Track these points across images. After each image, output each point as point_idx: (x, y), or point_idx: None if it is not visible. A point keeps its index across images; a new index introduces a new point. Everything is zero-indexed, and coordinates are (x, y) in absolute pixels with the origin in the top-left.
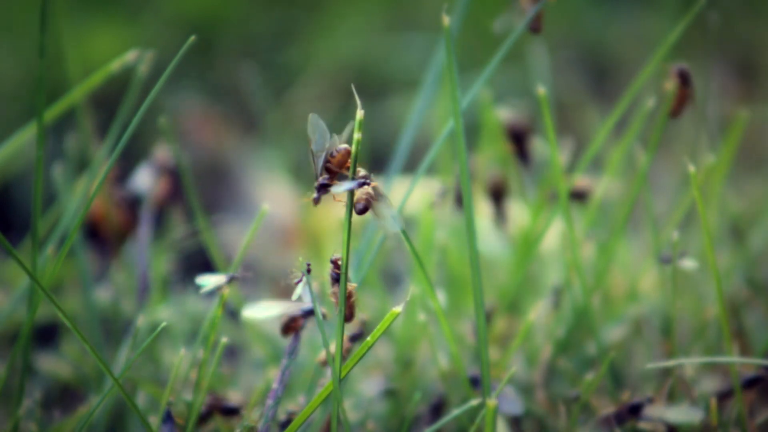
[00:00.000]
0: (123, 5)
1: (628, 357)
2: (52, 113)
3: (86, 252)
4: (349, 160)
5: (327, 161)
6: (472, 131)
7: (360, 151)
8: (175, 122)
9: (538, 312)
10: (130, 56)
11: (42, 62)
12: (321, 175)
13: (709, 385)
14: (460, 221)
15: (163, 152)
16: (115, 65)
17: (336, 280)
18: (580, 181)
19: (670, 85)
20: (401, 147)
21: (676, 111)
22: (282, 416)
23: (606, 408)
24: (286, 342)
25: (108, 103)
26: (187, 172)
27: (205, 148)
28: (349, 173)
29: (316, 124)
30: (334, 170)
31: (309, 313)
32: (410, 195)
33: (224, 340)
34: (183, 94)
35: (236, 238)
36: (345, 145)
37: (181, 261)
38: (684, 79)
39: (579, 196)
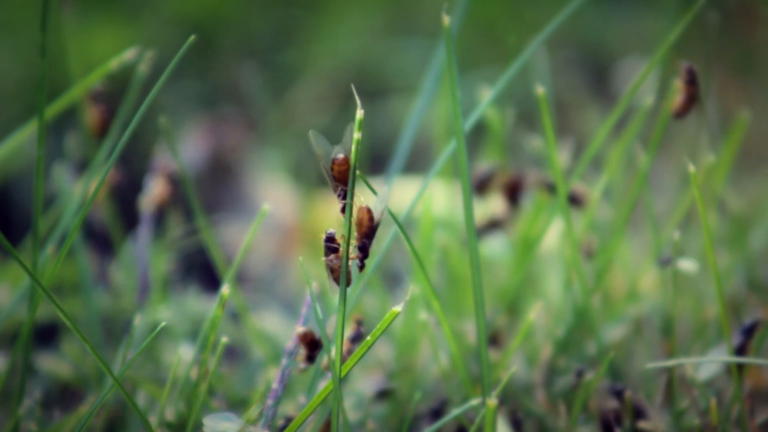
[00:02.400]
0: (123, 5)
1: (628, 357)
2: (51, 112)
3: (86, 252)
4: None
5: (330, 171)
6: (473, 130)
7: (360, 152)
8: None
9: (537, 312)
10: (128, 54)
11: (43, 62)
12: (335, 187)
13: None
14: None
15: (163, 156)
16: (114, 63)
17: (330, 250)
18: (577, 186)
19: (679, 83)
20: (401, 147)
21: (682, 111)
22: (280, 421)
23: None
24: (286, 342)
25: (108, 102)
26: (187, 172)
27: (205, 148)
28: (350, 175)
29: (317, 139)
30: (340, 178)
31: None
32: (406, 195)
33: (224, 339)
34: (183, 94)
35: (236, 237)
36: (341, 155)
37: (181, 261)
38: (691, 78)
39: (575, 201)
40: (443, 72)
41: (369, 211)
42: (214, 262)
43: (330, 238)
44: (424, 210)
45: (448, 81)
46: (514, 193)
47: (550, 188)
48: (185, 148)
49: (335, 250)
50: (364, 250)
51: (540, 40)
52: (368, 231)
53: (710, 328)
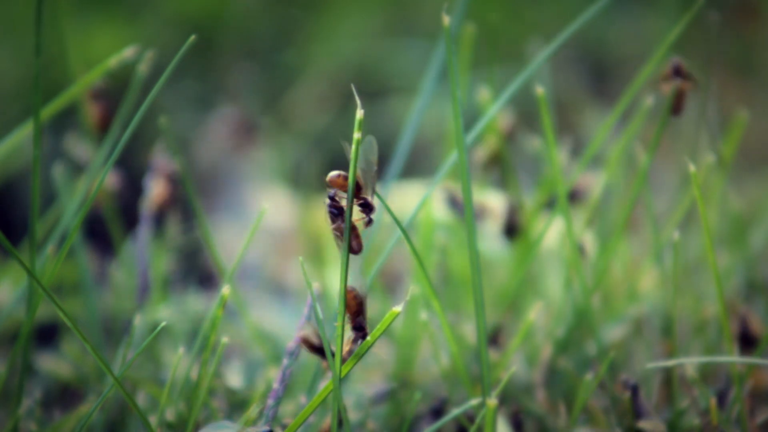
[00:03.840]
0: (123, 5)
1: (628, 357)
2: (50, 111)
3: (86, 252)
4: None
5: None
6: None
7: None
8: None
9: (537, 312)
10: (127, 52)
11: (37, 61)
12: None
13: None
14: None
15: (163, 157)
16: (113, 61)
17: (335, 215)
18: (578, 180)
19: (667, 85)
20: (400, 149)
21: (678, 107)
22: (287, 420)
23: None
24: (286, 342)
25: (109, 99)
26: (186, 173)
27: (206, 153)
28: (350, 175)
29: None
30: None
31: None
32: (407, 198)
33: (225, 339)
34: (183, 94)
35: (234, 240)
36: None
37: (181, 261)
38: (680, 73)
39: (575, 196)
40: (443, 72)
41: (353, 291)
42: (213, 262)
43: (332, 198)
44: (424, 211)
45: (450, 80)
46: (511, 228)
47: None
48: (191, 151)
49: (339, 214)
50: (360, 329)
51: (552, 48)
52: (358, 310)
53: (710, 328)
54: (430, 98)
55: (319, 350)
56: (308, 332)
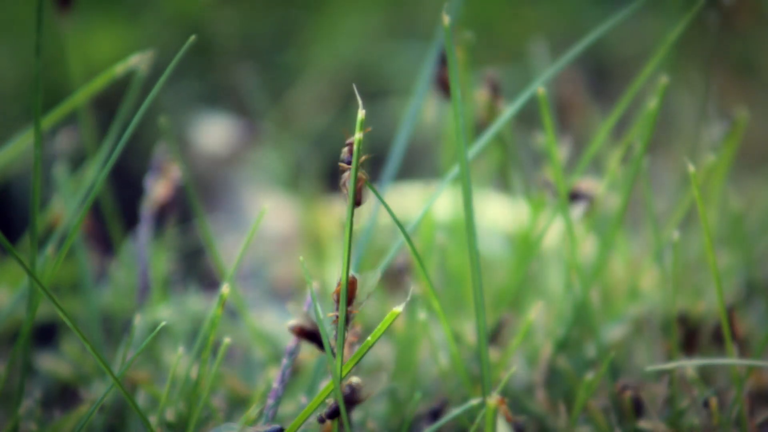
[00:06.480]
0: (123, 5)
1: (628, 357)
2: (53, 117)
3: (86, 251)
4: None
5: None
6: (474, 130)
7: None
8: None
9: (538, 311)
10: (133, 60)
11: (37, 61)
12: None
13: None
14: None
15: (163, 156)
16: (119, 69)
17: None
18: (583, 183)
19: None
20: (396, 150)
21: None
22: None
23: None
24: (286, 342)
25: (108, 102)
26: (187, 173)
27: (203, 160)
28: (352, 170)
29: None
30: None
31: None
32: (407, 200)
33: (227, 340)
34: (183, 94)
35: (234, 247)
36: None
37: (181, 261)
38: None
39: (577, 199)
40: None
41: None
42: (213, 262)
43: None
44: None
45: (450, 81)
46: None
47: (551, 191)
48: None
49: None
50: (333, 415)
51: (566, 59)
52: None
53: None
54: (424, 98)
55: (312, 337)
56: (301, 320)
